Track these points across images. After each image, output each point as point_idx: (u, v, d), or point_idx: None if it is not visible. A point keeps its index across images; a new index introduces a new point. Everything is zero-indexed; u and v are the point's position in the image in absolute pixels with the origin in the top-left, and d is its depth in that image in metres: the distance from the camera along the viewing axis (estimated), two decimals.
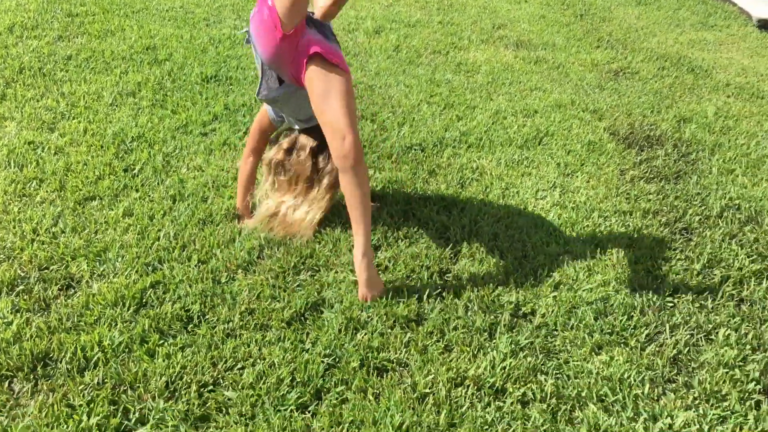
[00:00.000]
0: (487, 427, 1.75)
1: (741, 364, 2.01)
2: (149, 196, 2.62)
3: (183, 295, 2.11)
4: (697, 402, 1.87)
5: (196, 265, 2.25)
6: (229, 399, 1.78)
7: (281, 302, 2.12)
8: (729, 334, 2.11)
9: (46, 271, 2.19)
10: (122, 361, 1.86)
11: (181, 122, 3.21)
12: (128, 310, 2.04)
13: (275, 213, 2.38)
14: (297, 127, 2.41)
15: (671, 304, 2.24)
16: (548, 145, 3.31)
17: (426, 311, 2.13)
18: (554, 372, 1.94)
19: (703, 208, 2.81)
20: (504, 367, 1.92)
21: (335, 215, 2.51)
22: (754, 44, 5.31)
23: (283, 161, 2.39)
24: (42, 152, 2.87)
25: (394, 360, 1.94)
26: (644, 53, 4.84)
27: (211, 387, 1.81)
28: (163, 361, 1.86)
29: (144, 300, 2.09)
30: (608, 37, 5.20)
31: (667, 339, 2.09)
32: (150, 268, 2.23)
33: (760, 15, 5.80)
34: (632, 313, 2.18)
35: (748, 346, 2.07)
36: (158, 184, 2.70)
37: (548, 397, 1.85)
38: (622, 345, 2.06)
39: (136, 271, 2.20)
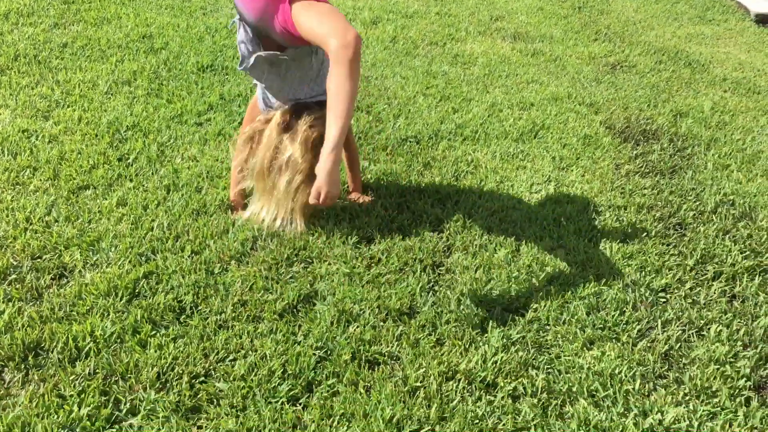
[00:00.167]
0: (477, 421, 1.76)
1: (732, 360, 2.02)
2: (143, 185, 2.61)
3: (176, 285, 2.11)
4: (687, 398, 1.88)
5: (189, 256, 2.25)
6: (220, 390, 1.78)
7: (274, 294, 2.12)
8: (720, 331, 2.12)
9: (38, 260, 2.18)
10: (114, 351, 1.86)
11: (177, 112, 3.19)
12: (121, 300, 2.03)
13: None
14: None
15: (663, 300, 2.25)
16: (544, 138, 3.30)
17: (418, 304, 2.13)
18: (545, 367, 1.95)
19: (697, 203, 2.82)
20: (495, 362, 1.93)
21: (330, 209, 2.50)
22: (752, 39, 5.30)
23: (262, 130, 2.31)
24: (36, 140, 2.85)
25: (386, 353, 1.95)
26: (642, 47, 4.83)
27: (202, 378, 1.81)
28: (155, 351, 1.86)
29: (137, 290, 2.09)
30: (606, 29, 5.18)
31: (658, 335, 2.10)
32: (143, 258, 2.22)
33: (758, 10, 5.79)
34: (624, 309, 2.18)
35: (739, 343, 2.08)
36: (152, 173, 2.69)
37: (539, 392, 1.85)
38: (613, 340, 2.06)
39: (129, 261, 2.19)
